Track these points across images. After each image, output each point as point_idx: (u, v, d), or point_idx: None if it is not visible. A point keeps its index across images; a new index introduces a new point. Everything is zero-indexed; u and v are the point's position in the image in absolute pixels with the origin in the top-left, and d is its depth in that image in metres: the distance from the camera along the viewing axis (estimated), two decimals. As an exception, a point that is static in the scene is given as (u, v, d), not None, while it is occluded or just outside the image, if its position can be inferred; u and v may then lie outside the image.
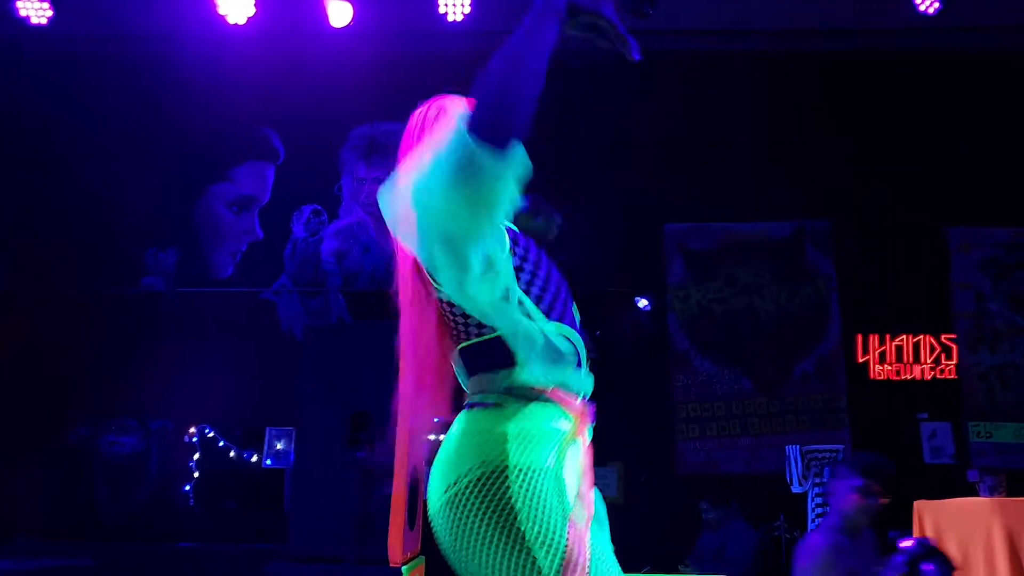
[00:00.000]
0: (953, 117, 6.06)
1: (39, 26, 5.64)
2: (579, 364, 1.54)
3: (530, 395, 1.45)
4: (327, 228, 6.43)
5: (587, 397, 1.55)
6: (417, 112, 1.72)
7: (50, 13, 5.60)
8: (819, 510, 4.81)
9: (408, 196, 1.38)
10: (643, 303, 6.37)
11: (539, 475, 1.38)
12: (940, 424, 5.98)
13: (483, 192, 1.32)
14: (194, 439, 6.15)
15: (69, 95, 6.09)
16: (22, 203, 6.23)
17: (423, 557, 3.82)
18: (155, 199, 6.14)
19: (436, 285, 1.50)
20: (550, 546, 1.34)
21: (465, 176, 1.30)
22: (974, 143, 6.00)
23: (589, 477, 1.51)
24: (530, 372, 1.45)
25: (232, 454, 6.15)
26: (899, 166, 6.17)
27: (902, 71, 6.21)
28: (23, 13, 5.58)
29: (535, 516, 1.35)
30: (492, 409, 1.45)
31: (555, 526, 1.35)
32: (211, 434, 6.16)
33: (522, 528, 1.34)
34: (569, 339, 1.53)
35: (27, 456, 5.72)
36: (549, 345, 1.48)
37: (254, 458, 6.05)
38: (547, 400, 1.46)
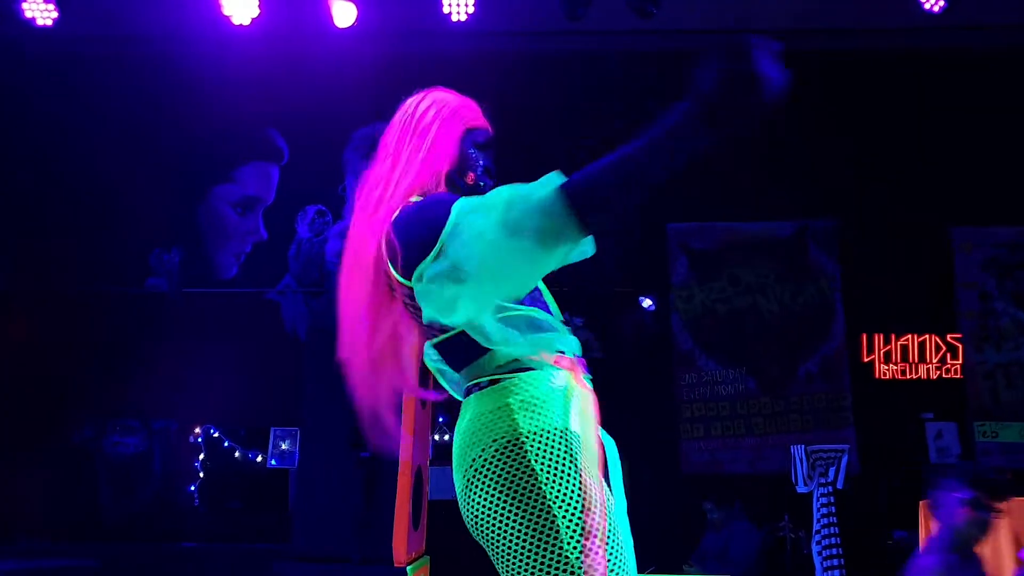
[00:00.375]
0: (956, 116, 6.04)
1: (44, 27, 5.65)
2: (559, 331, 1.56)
3: (521, 366, 1.48)
4: (331, 228, 6.44)
5: (576, 355, 1.57)
6: (410, 101, 1.70)
7: (55, 14, 5.61)
8: (824, 510, 4.80)
9: (457, 218, 1.40)
10: (647, 303, 6.37)
11: (553, 436, 1.42)
12: (946, 424, 5.97)
13: (547, 255, 1.34)
14: (199, 439, 6.16)
15: (74, 96, 6.11)
16: (27, 204, 6.25)
17: (427, 557, 3.82)
18: (159, 199, 6.15)
19: (404, 292, 1.51)
20: (570, 505, 1.38)
21: (539, 236, 1.31)
22: (977, 142, 5.98)
23: (595, 422, 1.54)
24: (511, 346, 1.48)
25: (237, 454, 6.16)
26: (902, 165, 6.16)
27: (906, 70, 6.20)
28: (29, 14, 5.59)
29: (554, 477, 1.39)
30: (491, 388, 1.48)
31: (573, 486, 1.39)
32: (216, 434, 6.17)
33: (544, 489, 1.38)
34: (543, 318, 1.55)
35: (30, 456, 5.73)
36: (521, 319, 1.50)
37: (258, 458, 6.06)
38: (539, 364, 1.49)
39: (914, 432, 5.91)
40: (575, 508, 1.38)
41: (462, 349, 1.51)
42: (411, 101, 1.70)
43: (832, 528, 4.73)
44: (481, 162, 1.67)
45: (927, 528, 3.53)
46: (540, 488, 1.38)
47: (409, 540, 3.47)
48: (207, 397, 5.92)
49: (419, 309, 1.49)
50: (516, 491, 1.39)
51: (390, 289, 1.56)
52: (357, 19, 5.63)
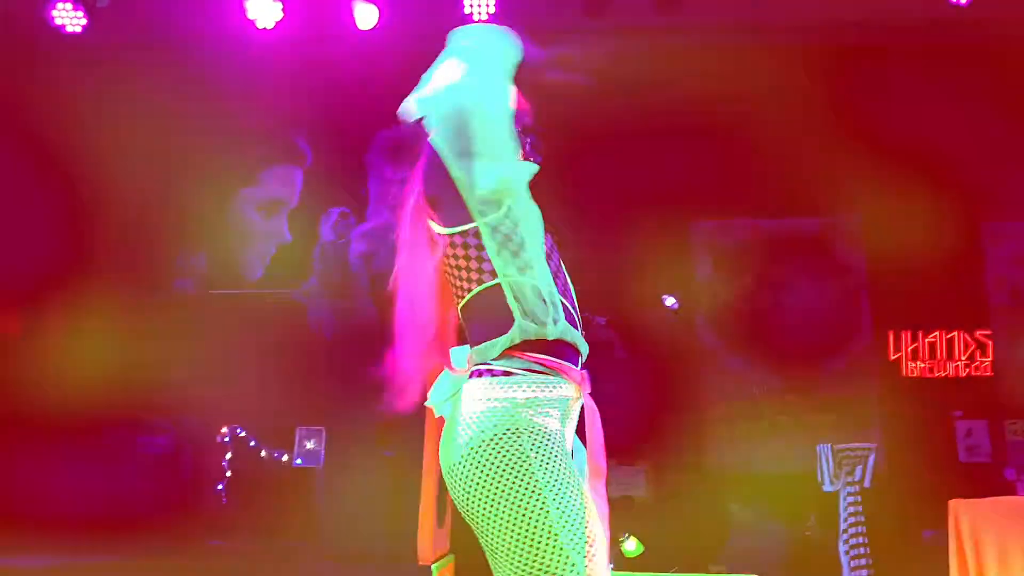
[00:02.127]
0: (985, 108, 5.95)
1: (73, 34, 5.74)
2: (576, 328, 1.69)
3: (533, 366, 1.59)
4: (355, 230, 6.48)
5: (583, 361, 1.69)
6: None
7: (84, 21, 5.71)
8: (851, 509, 4.75)
9: (448, 93, 1.73)
10: (671, 301, 6.34)
11: (550, 436, 1.56)
12: (975, 422, 5.88)
13: (504, 68, 1.82)
14: (225, 439, 6.23)
15: (101, 101, 6.19)
16: (55, 208, 6.34)
17: (452, 555, 3.84)
18: (186, 202, 6.22)
19: (440, 228, 1.66)
20: (560, 493, 1.50)
21: (493, 56, 1.85)
22: (1008, 135, 5.89)
23: (571, 433, 1.68)
24: (527, 325, 1.58)
25: (262, 453, 6.22)
26: (929, 159, 6.07)
27: (933, 63, 6.11)
28: (58, 21, 5.69)
29: (547, 466, 1.52)
30: (501, 377, 1.58)
31: (564, 478, 1.52)
32: (242, 434, 6.23)
33: (537, 474, 1.50)
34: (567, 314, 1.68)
35: (60, 455, 5.82)
36: (546, 295, 1.61)
37: (284, 458, 6.11)
38: (549, 371, 1.60)
39: (942, 430, 5.83)
40: (565, 497, 1.50)
41: (482, 315, 1.62)
42: None
43: (859, 527, 4.69)
44: (528, 140, 1.86)
45: (956, 527, 3.49)
46: (534, 474, 1.50)
47: (434, 538, 3.49)
48: (233, 397, 5.98)
49: (456, 258, 1.62)
50: (511, 474, 1.51)
51: (432, 244, 1.69)
52: (379, 21, 5.66)
